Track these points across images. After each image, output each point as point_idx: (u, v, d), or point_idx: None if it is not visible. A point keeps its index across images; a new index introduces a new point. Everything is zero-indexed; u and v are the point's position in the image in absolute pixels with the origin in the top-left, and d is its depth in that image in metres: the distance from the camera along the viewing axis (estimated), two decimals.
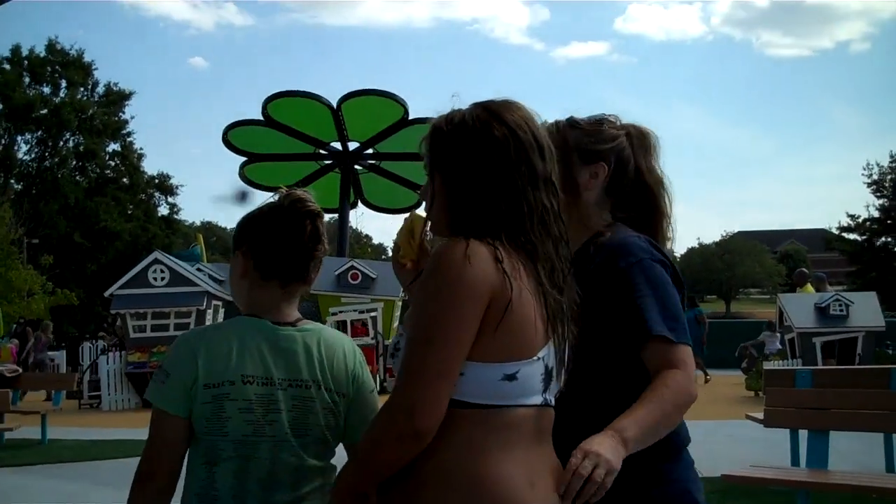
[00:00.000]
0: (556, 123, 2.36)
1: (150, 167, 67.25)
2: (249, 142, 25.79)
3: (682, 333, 2.09)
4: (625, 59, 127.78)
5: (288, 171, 27.05)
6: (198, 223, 66.91)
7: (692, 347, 2.14)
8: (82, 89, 55.89)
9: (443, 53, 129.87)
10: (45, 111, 53.47)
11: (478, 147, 1.84)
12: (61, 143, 55.03)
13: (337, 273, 20.02)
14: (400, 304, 20.13)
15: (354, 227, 49.15)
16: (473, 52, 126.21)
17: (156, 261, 17.85)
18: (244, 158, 26.47)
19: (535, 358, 1.77)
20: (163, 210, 58.86)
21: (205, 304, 17.34)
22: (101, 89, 56.74)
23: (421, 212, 2.07)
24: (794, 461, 7.22)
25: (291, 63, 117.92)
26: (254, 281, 2.31)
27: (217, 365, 2.16)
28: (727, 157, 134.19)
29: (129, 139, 57.21)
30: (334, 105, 24.80)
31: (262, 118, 25.15)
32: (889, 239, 54.51)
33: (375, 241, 77.64)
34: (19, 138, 54.48)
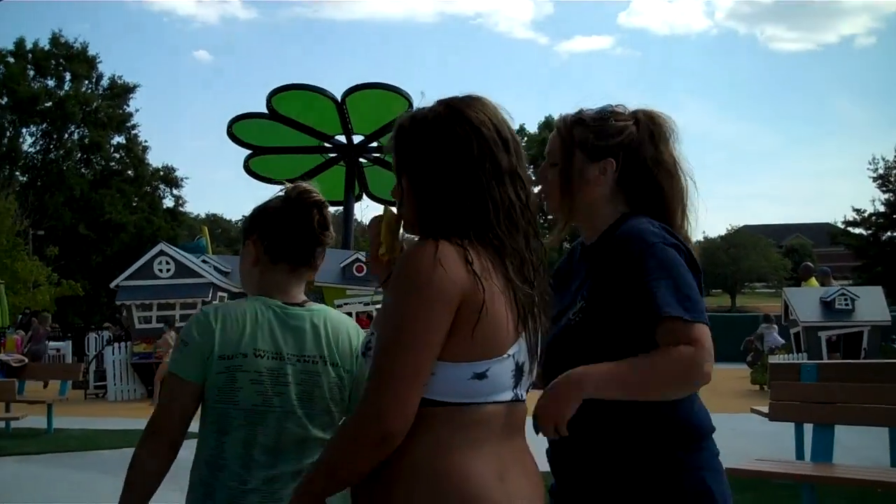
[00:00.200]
0: (563, 119, 2.35)
1: (155, 160, 67.47)
2: (254, 135, 25.76)
3: (698, 313, 2.06)
4: (629, 53, 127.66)
5: (293, 163, 27.02)
6: (203, 215, 67.06)
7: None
8: (87, 82, 55.93)
9: (447, 47, 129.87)
10: (49, 104, 53.55)
11: (440, 145, 1.84)
12: (66, 135, 55.10)
13: (342, 265, 20.03)
14: None
15: (359, 220, 49.12)
16: (477, 46, 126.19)
17: (161, 252, 17.87)
18: (249, 151, 26.46)
19: (505, 356, 1.77)
20: (168, 202, 58.97)
21: (210, 295, 17.36)
22: (105, 82, 56.83)
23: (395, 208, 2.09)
24: (799, 455, 7.22)
25: (296, 56, 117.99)
26: (264, 265, 2.49)
27: (232, 338, 2.32)
28: (732, 151, 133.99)
29: (133, 132, 57.32)
30: (339, 98, 24.76)
31: (266, 111, 25.13)
32: (895, 233, 54.44)
33: None
34: (24, 131, 54.58)
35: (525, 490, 1.79)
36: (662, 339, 2.05)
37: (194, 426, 2.41)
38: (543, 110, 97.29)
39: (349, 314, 18.08)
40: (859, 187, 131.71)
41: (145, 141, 57.83)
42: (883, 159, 53.96)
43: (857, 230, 56.46)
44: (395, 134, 1.92)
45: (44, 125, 54.43)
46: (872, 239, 54.58)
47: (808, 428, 6.68)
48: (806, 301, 15.77)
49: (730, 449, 9.15)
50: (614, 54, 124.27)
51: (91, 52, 55.94)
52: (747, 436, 9.93)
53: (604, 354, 2.07)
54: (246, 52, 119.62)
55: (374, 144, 26.53)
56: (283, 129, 25.51)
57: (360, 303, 19.07)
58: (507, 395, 1.80)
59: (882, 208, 53.94)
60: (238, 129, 25.73)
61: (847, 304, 15.29)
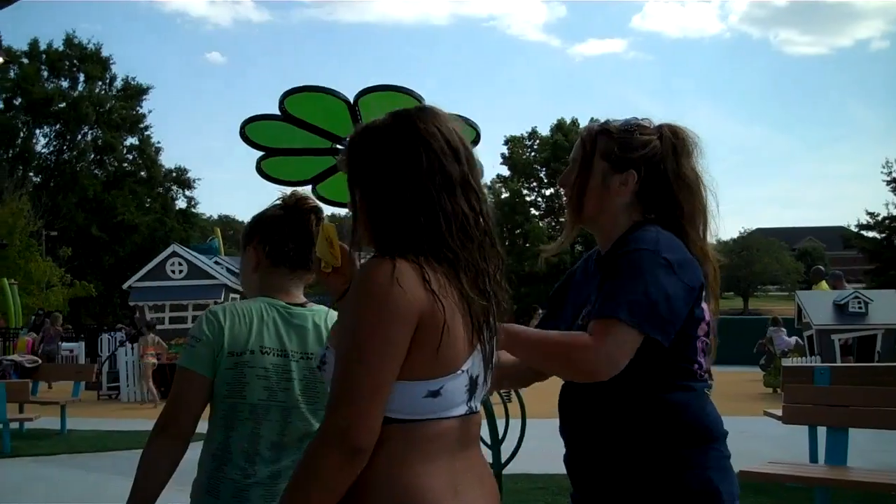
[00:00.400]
0: (589, 128, 2.39)
1: (168, 161, 67.58)
2: (266, 136, 25.60)
3: (639, 317, 2.06)
4: (642, 56, 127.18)
5: (305, 165, 27.01)
6: (215, 216, 67.24)
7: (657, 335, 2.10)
8: (100, 83, 56.25)
9: (459, 50, 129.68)
10: (63, 105, 53.86)
11: (389, 157, 1.84)
12: (79, 136, 55.40)
13: None
14: None
15: None
16: (490, 49, 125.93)
17: (174, 254, 17.93)
18: (261, 153, 26.52)
19: (459, 372, 1.78)
20: (180, 203, 59.21)
21: (222, 296, 17.40)
22: (118, 83, 57.13)
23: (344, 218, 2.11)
24: (813, 458, 7.21)
25: (308, 58, 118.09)
26: (265, 268, 2.63)
27: (240, 336, 2.45)
28: (745, 154, 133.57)
29: (146, 133, 57.57)
30: (351, 100, 24.81)
31: (278, 113, 25.18)
32: None
33: None
34: (38, 131, 54.92)
35: (479, 500, 1.81)
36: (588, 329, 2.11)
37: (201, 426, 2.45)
38: (556, 113, 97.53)
39: None
40: (873, 191, 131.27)
41: (158, 142, 58.23)
42: None
43: (871, 234, 56.27)
44: (347, 147, 1.93)
45: (57, 126, 54.74)
46: (886, 242, 54.38)
47: (822, 431, 6.66)
48: (819, 304, 15.72)
49: (743, 452, 9.15)
50: (627, 58, 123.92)
51: (105, 53, 56.32)
52: (760, 439, 9.91)
53: None
54: (259, 54, 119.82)
55: None
56: (295, 130, 25.50)
57: None
58: (461, 410, 1.81)
59: None
60: (250, 130, 25.63)
61: (860, 308, 15.24)
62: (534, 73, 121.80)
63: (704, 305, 2.25)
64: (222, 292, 17.54)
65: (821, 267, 19.95)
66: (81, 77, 55.52)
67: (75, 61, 55.27)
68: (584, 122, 61.84)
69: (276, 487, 2.35)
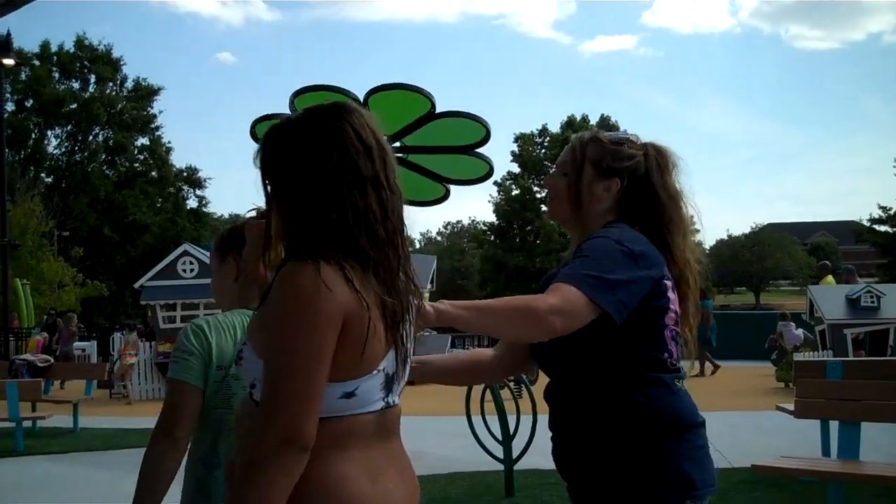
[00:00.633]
0: (580, 136, 2.56)
1: (179, 161, 67.63)
2: None
3: (591, 288, 2.18)
4: (652, 52, 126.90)
5: None
6: (226, 216, 67.22)
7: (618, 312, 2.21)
8: (111, 84, 56.36)
9: (469, 48, 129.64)
10: (74, 106, 54.03)
11: (300, 152, 1.84)
12: (91, 137, 55.56)
13: None
14: (428, 295, 20.16)
15: None
16: (500, 47, 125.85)
17: (185, 253, 17.97)
18: None
19: (374, 372, 1.81)
20: (191, 203, 59.33)
21: None
22: (129, 84, 57.24)
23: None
24: (826, 452, 7.18)
25: (318, 57, 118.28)
26: (242, 280, 2.66)
27: (226, 350, 2.54)
28: (756, 149, 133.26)
29: (157, 133, 57.70)
30: (361, 98, 24.83)
31: (289, 112, 25.27)
32: None
33: None
34: (49, 133, 55.08)
35: (399, 490, 1.85)
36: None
37: None
38: (566, 110, 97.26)
39: None
40: (885, 185, 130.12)
41: (169, 142, 58.29)
42: None
43: (883, 228, 56.03)
44: (260, 142, 1.93)
45: (69, 127, 54.91)
46: None
47: (834, 425, 6.64)
48: (831, 299, 15.65)
49: (755, 446, 9.18)
50: (637, 54, 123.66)
51: (115, 54, 56.43)
52: (773, 433, 9.90)
53: (585, 344, 2.28)
54: (269, 54, 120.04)
55: (397, 144, 26.63)
56: None
57: None
58: (377, 406, 1.84)
59: None
60: (261, 129, 25.77)
61: (873, 302, 15.17)
62: (543, 70, 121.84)
63: (672, 296, 2.36)
64: None
65: (827, 262, 19.86)
66: (92, 78, 55.67)
67: (86, 63, 55.41)
68: (594, 119, 61.85)
69: None
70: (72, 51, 55.09)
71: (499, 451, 7.34)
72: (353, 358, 1.76)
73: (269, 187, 1.89)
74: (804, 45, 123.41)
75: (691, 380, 13.16)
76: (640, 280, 2.25)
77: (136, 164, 57.37)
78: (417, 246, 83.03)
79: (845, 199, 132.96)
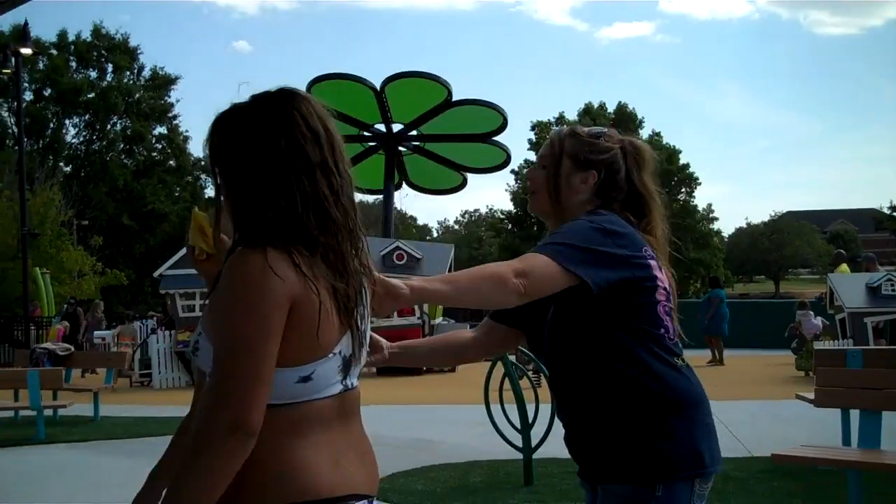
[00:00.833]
0: (559, 131, 2.64)
1: (197, 150, 67.72)
2: None
3: (559, 255, 2.25)
4: (669, 39, 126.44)
5: None
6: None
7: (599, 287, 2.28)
8: (128, 73, 56.50)
9: (486, 35, 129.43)
10: (92, 95, 54.18)
11: (248, 138, 1.85)
12: (109, 126, 55.74)
13: (382, 254, 20.08)
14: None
15: (399, 209, 49.25)
16: (517, 34, 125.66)
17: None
18: None
19: (330, 355, 1.82)
20: (209, 192, 59.40)
21: None
22: (146, 73, 57.36)
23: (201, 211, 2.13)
24: (846, 441, 7.14)
25: (335, 46, 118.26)
26: None
27: None
28: (775, 136, 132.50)
29: (175, 122, 57.85)
30: (378, 87, 24.83)
31: None
32: None
33: (420, 221, 77.96)
34: (67, 122, 55.27)
35: (361, 473, 1.87)
36: None
37: None
38: (583, 97, 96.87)
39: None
40: None
41: (186, 131, 58.34)
42: None
43: None
44: (209, 130, 1.93)
45: (86, 116, 55.10)
46: None
47: (855, 414, 6.61)
48: (851, 287, 15.57)
49: (775, 435, 9.14)
50: (655, 41, 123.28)
51: (132, 43, 56.53)
52: (793, 422, 9.87)
53: (581, 327, 2.36)
54: (285, 42, 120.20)
55: (414, 133, 26.61)
56: None
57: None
58: (336, 389, 1.86)
59: None
60: None
61: (893, 290, 15.07)
62: (560, 57, 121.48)
63: (660, 274, 2.41)
64: None
65: (842, 251, 19.76)
66: (110, 67, 55.81)
67: (103, 52, 55.53)
68: (612, 107, 61.67)
69: None
70: (89, 40, 55.22)
71: (517, 439, 7.34)
72: (306, 342, 1.78)
73: (217, 175, 1.91)
74: (823, 31, 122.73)
75: (709, 368, 13.15)
76: (613, 256, 2.30)
77: (154, 154, 57.56)
78: (435, 234, 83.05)
79: (865, 187, 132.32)
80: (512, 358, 7.40)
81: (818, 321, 18.36)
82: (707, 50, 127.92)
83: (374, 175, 26.95)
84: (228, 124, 1.89)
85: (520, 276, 2.18)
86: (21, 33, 28.25)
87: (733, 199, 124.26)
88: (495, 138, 25.94)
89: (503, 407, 7.72)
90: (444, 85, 24.67)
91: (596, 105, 62.00)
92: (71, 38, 54.73)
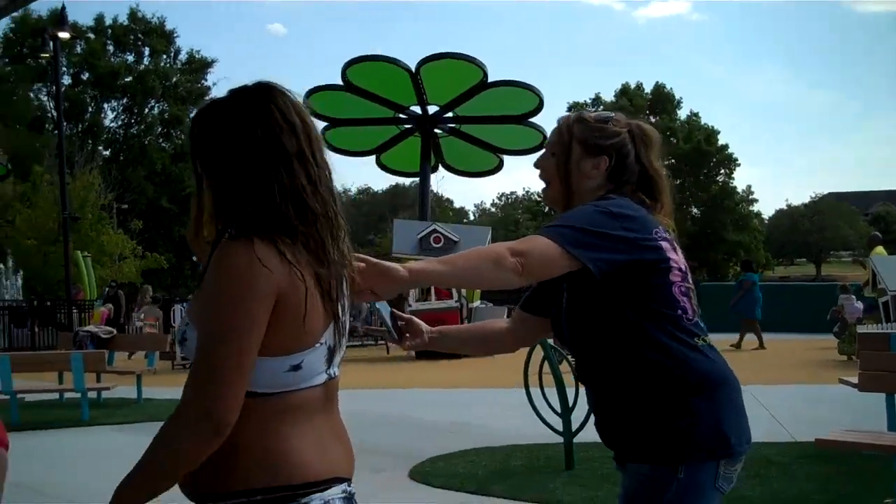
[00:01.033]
0: (566, 118, 2.63)
1: None
2: (330, 107, 25.92)
3: (561, 237, 2.25)
4: (706, 18, 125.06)
5: (368, 135, 27.16)
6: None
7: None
8: (165, 57, 56.89)
9: (522, 15, 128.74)
10: (129, 79, 54.62)
11: (226, 130, 1.90)
12: (146, 109, 56.18)
13: (419, 236, 20.10)
14: None
15: (435, 191, 49.27)
16: (553, 14, 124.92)
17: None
18: (325, 123, 26.65)
19: (317, 345, 1.87)
20: None
21: None
22: (183, 57, 57.73)
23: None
24: (892, 426, 7.06)
25: (370, 27, 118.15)
26: None
27: None
28: (816, 117, 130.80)
29: None
30: (413, 69, 24.77)
31: (341, 83, 25.26)
32: None
33: (457, 204, 77.96)
34: (106, 106, 55.78)
35: (342, 457, 1.94)
36: None
37: None
38: (620, 78, 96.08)
39: (427, 287, 18.30)
40: None
41: None
42: None
43: None
44: (190, 123, 2.01)
45: (124, 100, 55.58)
46: None
47: None
48: (895, 269, 15.36)
49: (817, 419, 9.05)
50: (691, 20, 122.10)
51: (168, 26, 56.88)
52: (836, 406, 9.77)
53: (597, 312, 2.37)
54: (320, 24, 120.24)
55: (450, 115, 26.54)
56: (358, 100, 25.63)
57: None
58: (321, 378, 1.91)
59: None
60: (314, 101, 25.86)
61: None
62: (597, 37, 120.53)
63: (673, 255, 2.40)
64: None
65: (877, 233, 19.54)
66: (146, 51, 56.26)
67: (140, 35, 55.97)
68: (648, 87, 61.17)
69: None
70: (125, 23, 55.65)
71: (558, 423, 7.33)
72: (295, 331, 1.82)
73: (198, 167, 1.95)
74: (864, 8, 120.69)
75: (749, 353, 13.02)
76: (617, 238, 2.30)
77: None
78: (472, 217, 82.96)
79: None
80: (550, 341, 7.38)
81: (860, 305, 18.17)
82: (745, 28, 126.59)
83: (409, 158, 26.94)
84: (207, 117, 1.95)
85: (517, 255, 2.20)
86: (59, 18, 28.49)
87: (773, 180, 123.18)
88: (531, 120, 25.80)
89: (543, 390, 7.72)
90: (480, 66, 24.57)
91: (633, 85, 61.51)
92: (108, 22, 55.18)
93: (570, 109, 64.00)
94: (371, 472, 6.89)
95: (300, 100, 1.98)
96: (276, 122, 1.89)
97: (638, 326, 2.33)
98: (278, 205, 1.85)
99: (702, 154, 57.84)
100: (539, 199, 66.46)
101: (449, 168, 28.42)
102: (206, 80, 58.01)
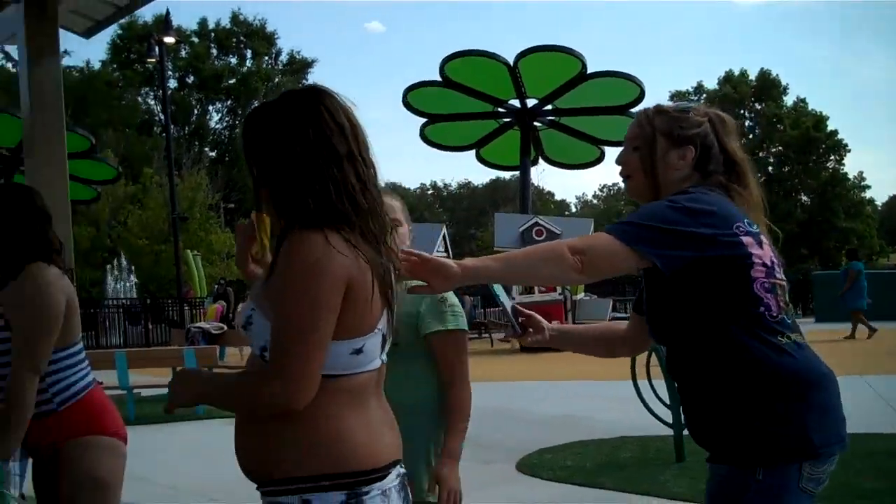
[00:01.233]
0: (645, 110, 2.60)
1: None
2: (429, 103, 26.06)
3: (623, 234, 2.25)
4: (813, 2, 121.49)
5: (467, 130, 27.22)
6: (382, 185, 68.54)
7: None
8: (266, 58, 57.96)
9: (621, 4, 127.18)
10: (233, 81, 55.85)
11: (279, 136, 1.99)
12: (250, 110, 57.39)
13: (521, 230, 20.06)
14: None
15: (536, 184, 49.12)
16: (653, 2, 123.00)
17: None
18: (424, 120, 26.80)
19: (376, 330, 1.98)
20: None
21: None
22: (284, 58, 58.74)
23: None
24: None
25: (468, 22, 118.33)
26: None
27: None
28: None
29: None
30: (511, 62, 24.71)
31: (440, 79, 25.35)
32: None
33: (557, 197, 77.52)
34: (211, 108, 57.14)
35: (394, 441, 2.05)
36: None
37: None
38: (723, 65, 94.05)
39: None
40: None
41: None
42: None
43: None
44: (242, 128, 2.10)
45: (228, 102, 56.84)
46: None
47: None
48: None
49: None
50: (794, 4, 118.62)
51: (269, 28, 57.94)
52: None
53: (677, 309, 2.34)
54: (418, 21, 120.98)
55: (549, 107, 26.40)
56: (456, 95, 25.70)
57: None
58: (377, 364, 2.02)
59: None
60: (413, 97, 26.06)
61: None
62: (698, 23, 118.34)
63: (756, 251, 2.32)
64: None
65: None
66: (248, 53, 57.42)
67: (242, 38, 57.15)
68: (753, 74, 59.79)
69: None
70: (228, 27, 56.88)
71: (667, 415, 7.21)
72: (360, 315, 1.93)
73: (252, 167, 2.04)
74: None
75: (859, 343, 12.65)
76: (689, 234, 2.25)
77: None
78: (573, 209, 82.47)
79: None
80: None
81: None
82: (853, 11, 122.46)
83: (509, 151, 26.91)
84: (261, 121, 2.04)
85: (577, 252, 2.20)
86: (164, 23, 29.28)
87: (887, 165, 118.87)
88: (632, 110, 25.50)
89: (651, 382, 7.60)
90: (579, 57, 24.37)
91: (737, 73, 60.19)
92: (211, 25, 56.47)
93: (671, 98, 63.39)
94: (480, 464, 6.88)
95: (347, 103, 2.06)
96: (327, 125, 1.98)
97: (715, 324, 2.29)
98: (335, 201, 1.94)
99: (810, 140, 56.27)
100: None
101: (549, 161, 28.29)
102: (306, 79, 58.89)
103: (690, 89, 62.12)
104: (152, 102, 55.22)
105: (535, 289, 19.39)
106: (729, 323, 2.27)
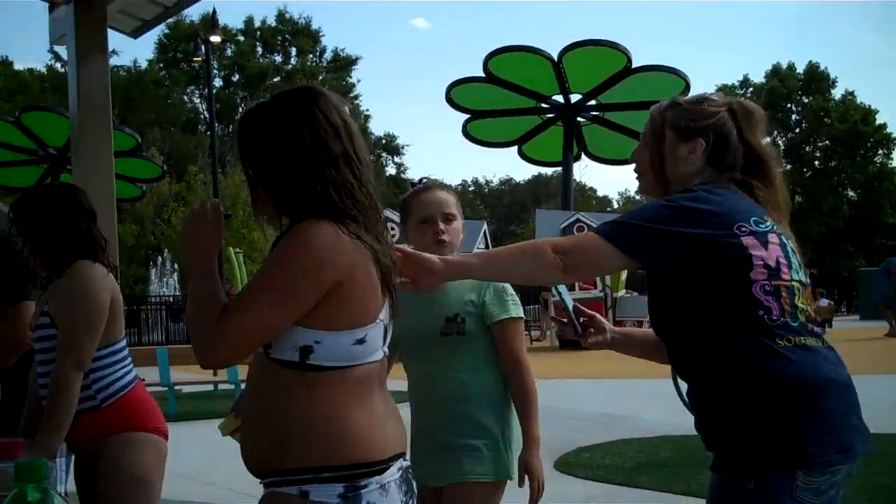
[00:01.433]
0: (659, 104, 2.53)
1: (377, 128, 69.46)
2: (472, 99, 26.04)
3: (612, 233, 2.22)
4: None
5: (511, 126, 27.17)
6: (382, 180, 68.85)
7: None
8: (311, 56, 58.29)
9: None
10: (277, 79, 56.22)
11: (275, 135, 2.01)
12: None
13: (563, 226, 20.03)
14: None
15: (578, 180, 48.89)
16: None
17: (386, 219, 18.42)
18: (467, 116, 26.79)
19: (377, 321, 2.00)
20: (390, 170, 60.71)
21: None
22: (328, 55, 59.04)
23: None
24: None
25: (512, 17, 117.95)
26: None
27: None
28: None
29: (356, 102, 59.35)
30: (555, 57, 24.62)
31: (483, 75, 25.33)
32: None
33: (600, 193, 77.04)
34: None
35: (397, 432, 2.06)
36: None
37: None
38: (770, 58, 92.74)
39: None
40: None
41: (367, 110, 59.78)
42: None
43: None
44: (237, 126, 2.12)
45: None
46: None
47: None
48: None
49: None
50: None
51: (314, 26, 58.27)
52: None
53: (667, 311, 2.33)
54: (462, 17, 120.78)
55: (593, 102, 26.28)
56: (500, 91, 25.66)
57: None
58: (379, 355, 2.03)
59: None
60: (456, 94, 26.06)
61: None
62: (744, 15, 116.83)
63: (757, 252, 2.22)
64: None
65: None
66: (293, 51, 57.80)
67: (287, 36, 57.52)
68: (801, 67, 59.06)
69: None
70: (273, 25, 57.27)
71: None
72: (361, 306, 1.96)
73: (247, 167, 2.06)
74: None
75: (885, 340, 12.37)
76: (680, 235, 2.19)
77: None
78: (616, 206, 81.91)
79: None
80: None
81: None
82: None
83: (552, 147, 26.82)
84: (255, 122, 2.06)
85: (559, 251, 2.19)
86: (210, 22, 29.52)
87: None
88: None
89: None
90: (623, 52, 24.22)
91: (784, 65, 59.49)
92: (257, 23, 56.90)
93: (717, 92, 62.54)
94: None
95: (340, 102, 2.10)
96: (322, 126, 2.02)
97: (709, 325, 2.23)
98: (336, 201, 1.98)
99: (858, 135, 55.50)
100: None
101: (592, 156, 28.15)
102: (350, 76, 59.20)
103: (737, 82, 61.54)
104: (197, 101, 55.81)
105: (576, 286, 19.34)
106: (724, 324, 2.22)
